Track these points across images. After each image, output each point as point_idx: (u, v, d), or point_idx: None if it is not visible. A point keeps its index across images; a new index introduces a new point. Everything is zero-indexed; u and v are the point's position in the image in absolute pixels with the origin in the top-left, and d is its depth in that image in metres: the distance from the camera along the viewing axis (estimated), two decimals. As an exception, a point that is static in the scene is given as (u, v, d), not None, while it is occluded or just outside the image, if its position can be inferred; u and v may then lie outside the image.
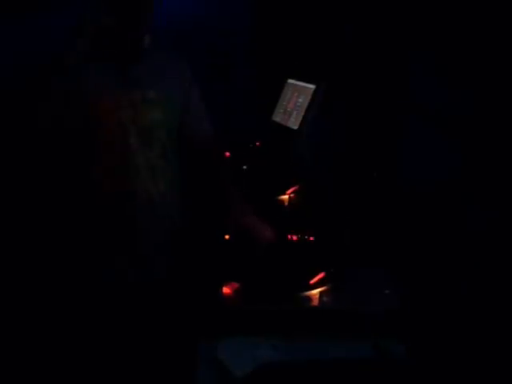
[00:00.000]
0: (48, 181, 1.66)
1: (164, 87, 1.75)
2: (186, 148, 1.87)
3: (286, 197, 2.27)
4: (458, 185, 1.98)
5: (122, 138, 1.66)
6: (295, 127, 2.60)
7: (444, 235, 2.03)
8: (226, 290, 1.58)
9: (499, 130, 1.82)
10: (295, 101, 2.68)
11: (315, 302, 1.54)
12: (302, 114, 2.56)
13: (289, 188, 2.30)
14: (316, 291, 1.57)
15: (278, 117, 2.81)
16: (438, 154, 2.19)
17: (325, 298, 1.55)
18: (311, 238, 1.87)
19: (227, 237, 1.90)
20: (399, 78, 2.65)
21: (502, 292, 1.73)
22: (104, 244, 1.70)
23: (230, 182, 1.92)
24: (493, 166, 1.82)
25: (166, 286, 1.83)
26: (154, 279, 1.79)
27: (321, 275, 1.61)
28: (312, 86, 2.56)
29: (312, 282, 1.60)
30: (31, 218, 1.86)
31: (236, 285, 1.60)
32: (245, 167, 2.62)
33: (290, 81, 2.82)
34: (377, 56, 2.77)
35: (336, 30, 2.98)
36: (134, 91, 1.67)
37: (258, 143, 2.83)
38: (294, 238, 1.88)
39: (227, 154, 2.72)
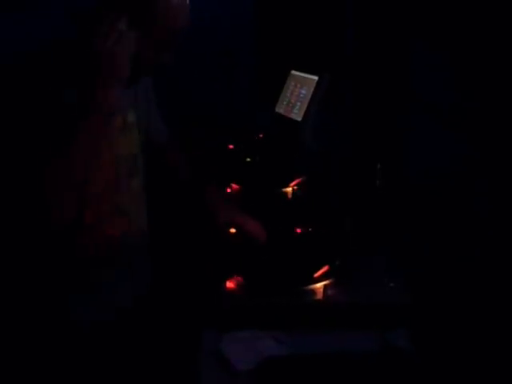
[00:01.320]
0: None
1: (132, 106, 1.57)
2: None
3: (289, 189, 2.26)
4: (464, 176, 1.96)
5: (112, 173, 1.51)
6: (298, 119, 2.59)
7: (450, 227, 2.02)
8: (229, 283, 1.57)
9: (504, 121, 1.80)
10: (298, 92, 2.66)
11: (319, 296, 1.53)
12: (306, 105, 2.55)
13: (292, 180, 2.29)
14: (320, 284, 1.56)
15: (281, 108, 2.80)
16: (443, 146, 2.17)
17: (329, 292, 1.54)
18: (315, 231, 1.87)
19: (233, 230, 1.89)
20: (403, 70, 2.63)
21: (509, 284, 1.71)
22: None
23: (196, 183, 1.83)
24: (498, 158, 1.81)
25: (167, 280, 1.83)
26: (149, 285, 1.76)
27: (325, 268, 1.60)
28: (315, 78, 2.55)
29: (316, 275, 1.59)
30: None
31: (239, 278, 1.59)
32: (248, 159, 2.61)
33: (293, 72, 2.80)
34: (380, 47, 2.75)
35: (338, 21, 2.97)
36: (116, 116, 1.47)
37: (261, 135, 2.82)
38: (298, 230, 1.87)
39: (231, 146, 2.72)
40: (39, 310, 1.54)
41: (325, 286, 1.55)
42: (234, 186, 2.29)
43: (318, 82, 2.52)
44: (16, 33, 2.55)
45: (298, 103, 2.63)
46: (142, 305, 1.71)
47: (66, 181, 1.30)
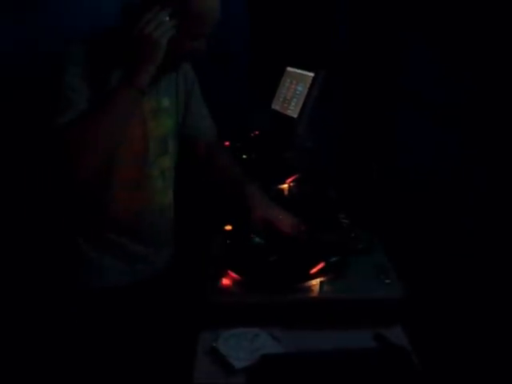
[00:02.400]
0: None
1: (173, 93, 1.74)
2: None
3: (285, 186, 2.26)
4: (456, 171, 1.97)
5: (144, 150, 1.65)
6: (294, 115, 2.58)
7: (445, 223, 2.02)
8: (225, 281, 1.57)
9: (497, 117, 1.80)
10: (294, 89, 2.66)
11: (315, 292, 1.53)
12: (301, 102, 2.54)
13: (288, 177, 2.28)
14: (316, 281, 1.56)
15: (277, 105, 2.79)
16: (435, 141, 2.17)
17: (325, 288, 1.54)
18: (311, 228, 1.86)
19: (229, 228, 1.89)
20: (395, 66, 2.63)
21: (504, 282, 1.72)
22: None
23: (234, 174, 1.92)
24: (491, 153, 1.81)
25: (166, 277, 1.83)
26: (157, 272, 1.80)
27: (321, 265, 1.60)
28: (311, 74, 2.55)
29: (312, 271, 1.58)
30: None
31: (235, 276, 1.58)
32: (244, 156, 2.60)
33: (289, 69, 2.80)
34: (373, 43, 2.75)
35: (333, 17, 2.96)
36: (151, 100, 1.64)
37: (257, 132, 2.81)
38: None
39: (227, 143, 2.71)
40: (53, 269, 1.71)
41: (321, 282, 1.55)
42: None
43: (314, 79, 2.51)
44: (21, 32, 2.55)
45: (294, 100, 2.63)
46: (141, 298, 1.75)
47: (95, 143, 1.44)
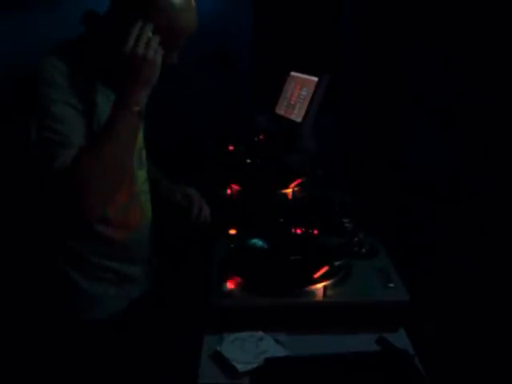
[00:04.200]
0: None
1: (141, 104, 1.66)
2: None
3: (289, 190, 2.26)
4: (461, 173, 1.97)
5: (130, 166, 1.58)
6: (298, 120, 2.59)
7: (449, 227, 2.02)
8: (229, 284, 1.58)
9: (500, 120, 1.81)
10: (298, 93, 2.67)
11: (319, 296, 1.53)
12: (305, 106, 2.55)
13: (292, 181, 2.29)
14: (320, 285, 1.56)
15: (281, 110, 2.80)
16: (440, 144, 2.17)
17: (329, 292, 1.54)
18: (315, 232, 1.87)
19: (233, 231, 1.91)
20: (401, 70, 2.64)
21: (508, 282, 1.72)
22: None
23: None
24: (494, 155, 1.81)
25: (168, 281, 1.83)
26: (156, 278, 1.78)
27: (325, 269, 1.60)
28: (315, 79, 2.55)
29: (316, 275, 1.59)
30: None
31: (239, 279, 1.59)
32: (248, 161, 2.61)
33: (293, 73, 2.81)
34: (378, 48, 2.75)
35: (338, 22, 2.97)
36: None
37: (261, 136, 2.82)
38: (298, 231, 1.88)
39: (231, 147, 2.72)
40: (47, 295, 1.60)
41: (324, 286, 1.55)
42: (235, 187, 2.29)
43: (318, 83, 2.52)
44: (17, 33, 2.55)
45: (298, 104, 2.64)
46: (144, 303, 1.73)
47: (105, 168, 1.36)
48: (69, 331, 1.58)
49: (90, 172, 1.33)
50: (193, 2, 1.48)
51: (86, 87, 1.45)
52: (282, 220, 1.99)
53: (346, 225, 1.88)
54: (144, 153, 1.71)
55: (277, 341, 1.45)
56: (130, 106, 1.39)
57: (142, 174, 1.68)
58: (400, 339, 1.47)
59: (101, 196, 1.38)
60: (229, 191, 2.28)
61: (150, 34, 1.39)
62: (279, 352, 1.41)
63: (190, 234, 1.98)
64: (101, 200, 1.39)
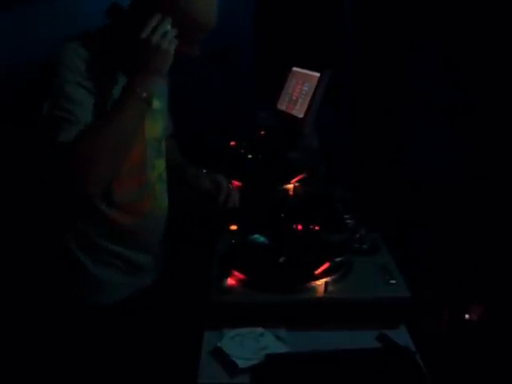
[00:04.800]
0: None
1: (162, 94, 1.73)
2: None
3: (290, 186, 2.26)
4: (461, 172, 1.96)
5: (142, 154, 1.62)
6: (300, 115, 2.58)
7: (450, 223, 2.02)
8: (230, 280, 1.57)
9: (500, 118, 1.80)
10: (300, 89, 2.66)
11: (320, 293, 1.53)
12: (307, 102, 2.54)
13: (294, 177, 2.28)
14: (321, 281, 1.55)
15: (282, 105, 2.79)
16: (444, 144, 2.17)
17: (330, 288, 1.54)
18: (316, 228, 1.86)
19: (234, 227, 1.90)
20: (401, 66, 2.63)
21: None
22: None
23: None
24: (495, 154, 1.81)
25: (169, 279, 1.83)
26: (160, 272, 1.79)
27: (326, 265, 1.60)
28: (317, 74, 2.55)
29: (317, 272, 1.58)
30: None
31: (240, 275, 1.59)
32: (250, 156, 2.61)
33: (295, 69, 2.80)
34: (379, 43, 2.74)
35: (338, 17, 2.96)
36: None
37: (262, 132, 2.81)
38: (299, 227, 1.87)
39: (232, 143, 2.71)
40: (53, 278, 1.64)
41: (326, 283, 1.55)
42: (236, 182, 2.29)
43: (320, 79, 2.51)
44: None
45: (300, 100, 2.63)
46: (150, 293, 1.75)
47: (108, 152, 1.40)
48: (74, 313, 1.62)
49: (90, 149, 1.36)
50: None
51: (104, 75, 1.49)
52: (283, 216, 1.98)
53: (347, 221, 1.88)
54: (164, 144, 1.75)
55: (277, 337, 1.44)
56: (139, 91, 1.43)
57: (159, 164, 1.71)
58: (401, 336, 1.46)
59: (98, 174, 1.40)
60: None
61: (168, 27, 1.43)
62: (280, 348, 1.41)
63: (214, 221, 1.98)
64: (98, 178, 1.41)
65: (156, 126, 1.68)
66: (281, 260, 1.66)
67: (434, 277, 1.95)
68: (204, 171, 1.97)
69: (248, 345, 1.41)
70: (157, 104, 1.64)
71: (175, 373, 1.75)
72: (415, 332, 1.47)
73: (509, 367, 1.54)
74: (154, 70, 1.45)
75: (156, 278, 1.77)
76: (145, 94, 1.44)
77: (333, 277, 1.57)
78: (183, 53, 1.52)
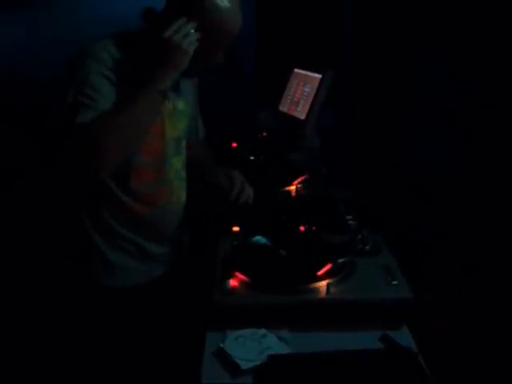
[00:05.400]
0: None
1: (188, 96, 1.79)
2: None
3: (292, 188, 2.26)
4: (462, 174, 1.97)
5: (161, 150, 1.69)
6: (302, 117, 2.58)
7: (451, 224, 2.02)
8: (232, 282, 1.58)
9: (498, 122, 1.80)
10: (301, 90, 2.66)
11: (322, 294, 1.54)
12: (309, 103, 2.54)
13: (296, 178, 2.29)
14: (323, 282, 1.56)
15: (284, 107, 2.79)
16: (444, 146, 2.17)
17: (332, 289, 1.54)
18: (318, 229, 1.87)
19: (237, 229, 1.91)
20: (401, 68, 2.63)
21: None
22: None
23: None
24: (495, 155, 1.81)
25: (174, 278, 1.84)
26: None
27: (328, 266, 1.60)
28: (318, 76, 2.54)
29: (319, 273, 1.59)
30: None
31: (243, 277, 1.59)
32: (252, 158, 2.61)
33: (296, 70, 2.80)
34: (379, 45, 2.74)
35: (339, 19, 2.96)
36: (169, 102, 1.67)
37: (264, 134, 2.81)
38: (301, 228, 1.87)
39: (234, 144, 2.72)
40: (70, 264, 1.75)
41: (328, 284, 1.55)
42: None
43: (321, 80, 2.51)
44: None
45: (302, 101, 2.63)
46: (162, 284, 1.80)
47: (120, 137, 1.46)
48: (85, 292, 1.72)
49: (102, 132, 1.42)
50: (238, 6, 1.59)
51: (129, 72, 1.55)
52: (285, 217, 1.99)
53: (350, 222, 1.88)
54: (184, 142, 1.81)
55: (280, 338, 1.45)
56: (156, 84, 1.50)
57: (177, 162, 1.77)
58: (403, 337, 1.47)
59: (105, 156, 1.45)
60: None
61: (191, 29, 1.51)
62: (282, 349, 1.41)
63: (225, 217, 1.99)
64: (105, 160, 1.46)
65: (177, 126, 1.74)
66: (282, 253, 1.67)
67: (436, 278, 1.95)
68: (219, 167, 2.01)
69: (251, 346, 1.42)
70: (181, 105, 1.73)
71: (178, 374, 1.75)
72: (417, 333, 1.48)
73: (510, 368, 1.54)
74: (173, 66, 1.52)
75: (167, 270, 1.82)
76: (161, 87, 1.50)
77: (335, 278, 1.58)
78: (208, 60, 1.62)
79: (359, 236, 1.78)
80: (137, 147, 1.57)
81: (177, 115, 1.72)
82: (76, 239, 1.71)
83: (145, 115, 1.51)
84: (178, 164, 1.78)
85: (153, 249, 1.75)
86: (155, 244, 1.75)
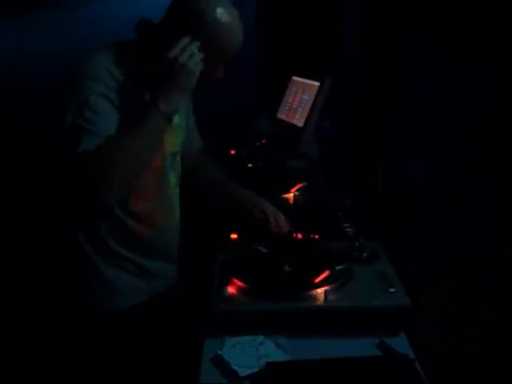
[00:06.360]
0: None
1: (183, 110, 1.76)
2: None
3: (290, 195, 2.27)
4: (462, 180, 1.97)
5: (161, 167, 1.66)
6: (300, 124, 2.59)
7: (449, 231, 2.02)
8: (230, 289, 1.58)
9: (499, 126, 1.81)
10: (300, 98, 2.67)
11: (320, 301, 1.54)
12: (307, 111, 2.55)
13: (294, 186, 2.29)
14: (321, 289, 1.56)
15: (282, 114, 2.80)
16: (443, 152, 2.18)
17: (330, 296, 1.55)
18: (316, 236, 1.87)
19: (235, 236, 1.91)
20: (401, 75, 2.64)
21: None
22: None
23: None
24: (495, 161, 1.82)
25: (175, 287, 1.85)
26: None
27: (326, 273, 1.61)
28: (316, 83, 2.56)
29: (317, 280, 1.59)
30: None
31: (241, 284, 1.59)
32: (250, 165, 2.61)
33: (295, 78, 2.81)
34: (378, 52, 2.75)
35: (338, 27, 2.97)
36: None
37: (263, 141, 2.82)
38: (299, 236, 1.88)
39: (232, 151, 2.72)
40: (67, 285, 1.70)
41: (325, 291, 1.55)
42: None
43: (320, 88, 2.52)
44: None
45: (300, 109, 2.64)
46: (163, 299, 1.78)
47: (129, 165, 1.43)
48: (85, 316, 1.66)
49: (110, 160, 1.39)
50: (239, 21, 1.56)
51: (129, 89, 1.51)
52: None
53: (347, 229, 1.88)
54: (179, 157, 1.77)
55: (278, 345, 1.45)
56: (161, 107, 1.46)
57: (173, 177, 1.75)
58: (401, 344, 1.47)
59: (113, 186, 1.42)
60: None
61: (196, 50, 1.48)
62: (280, 356, 1.41)
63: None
64: (114, 188, 1.43)
65: (175, 142, 1.72)
66: (286, 269, 1.67)
67: (434, 285, 1.95)
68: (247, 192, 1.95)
69: (248, 353, 1.42)
70: (177, 119, 1.67)
71: (176, 380, 1.75)
72: (415, 340, 1.48)
73: (507, 374, 1.54)
74: (178, 87, 1.48)
75: (168, 285, 1.81)
76: (167, 110, 1.47)
77: (333, 285, 1.58)
78: (209, 77, 1.58)
79: (357, 243, 1.78)
80: (144, 170, 1.53)
81: (174, 130, 1.69)
82: (76, 262, 1.66)
83: (152, 139, 1.49)
84: (174, 180, 1.76)
85: (152, 266, 1.73)
86: (155, 261, 1.73)
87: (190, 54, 1.46)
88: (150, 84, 1.51)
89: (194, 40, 1.48)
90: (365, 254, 1.75)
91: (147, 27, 1.58)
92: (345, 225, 1.91)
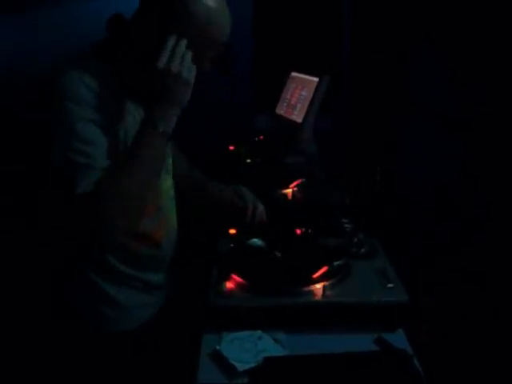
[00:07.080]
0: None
1: None
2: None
3: (289, 191, 2.27)
4: (460, 180, 1.98)
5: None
6: (299, 120, 2.59)
7: (448, 228, 2.02)
8: (228, 284, 1.58)
9: (499, 130, 1.81)
10: (299, 94, 2.67)
11: (318, 296, 1.54)
12: (306, 107, 2.56)
13: (292, 182, 2.29)
14: (319, 285, 1.56)
15: (281, 110, 2.81)
16: (441, 151, 2.18)
17: (328, 292, 1.55)
18: (314, 232, 1.87)
19: (233, 231, 1.91)
20: (400, 74, 2.64)
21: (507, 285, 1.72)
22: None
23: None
24: (494, 163, 1.82)
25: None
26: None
27: (324, 269, 1.61)
28: (315, 79, 2.56)
29: (315, 275, 1.59)
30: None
31: (239, 279, 1.59)
32: (249, 161, 2.62)
33: (294, 74, 2.81)
34: (377, 50, 2.75)
35: (337, 23, 2.97)
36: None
37: (261, 136, 2.82)
38: (297, 231, 1.88)
39: (231, 147, 2.73)
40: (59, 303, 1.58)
41: (324, 286, 1.55)
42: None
43: (318, 84, 2.53)
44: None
45: (299, 105, 2.64)
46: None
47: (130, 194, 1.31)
48: (91, 341, 1.56)
49: (113, 199, 1.27)
50: (227, 10, 1.40)
51: (113, 103, 1.38)
52: (281, 220, 1.99)
53: (346, 225, 1.89)
54: (170, 160, 1.67)
55: (276, 340, 1.45)
56: (159, 128, 1.32)
57: (166, 182, 1.64)
58: (398, 339, 1.47)
59: (124, 221, 1.32)
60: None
61: (186, 52, 1.32)
62: (278, 351, 1.42)
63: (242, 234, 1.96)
64: (124, 225, 1.33)
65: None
66: (278, 255, 1.67)
67: (432, 281, 1.95)
68: (224, 186, 1.91)
69: (246, 348, 1.42)
70: None
71: (174, 376, 1.75)
72: (412, 335, 1.48)
73: (506, 371, 1.54)
74: (174, 101, 1.34)
75: (174, 293, 1.77)
76: (168, 130, 1.34)
77: (331, 281, 1.58)
78: (199, 71, 1.41)
79: (355, 239, 1.78)
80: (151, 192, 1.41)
81: None
82: (79, 287, 1.53)
83: (154, 165, 1.36)
84: (167, 184, 1.65)
85: (156, 278, 1.66)
86: (156, 274, 1.66)
87: (181, 60, 1.31)
88: (140, 97, 1.40)
89: (178, 37, 1.32)
90: (363, 250, 1.75)
91: (119, 24, 1.43)
92: (343, 220, 1.91)
